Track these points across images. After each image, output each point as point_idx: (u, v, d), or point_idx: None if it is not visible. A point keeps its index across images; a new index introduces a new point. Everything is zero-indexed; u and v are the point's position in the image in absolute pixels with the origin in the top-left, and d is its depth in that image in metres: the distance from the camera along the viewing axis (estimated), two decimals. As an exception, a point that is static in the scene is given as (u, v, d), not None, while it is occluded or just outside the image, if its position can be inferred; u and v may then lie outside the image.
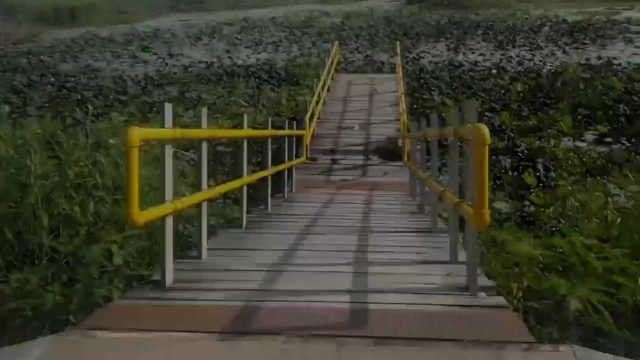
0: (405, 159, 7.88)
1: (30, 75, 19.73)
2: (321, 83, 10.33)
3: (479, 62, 18.40)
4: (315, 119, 9.11)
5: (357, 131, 9.72)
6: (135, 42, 27.27)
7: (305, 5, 47.80)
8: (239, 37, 27.91)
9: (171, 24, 35.03)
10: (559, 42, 22.25)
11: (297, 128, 10.03)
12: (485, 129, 2.39)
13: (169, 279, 3.11)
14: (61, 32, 33.42)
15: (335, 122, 10.22)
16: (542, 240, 3.90)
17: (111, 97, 15.08)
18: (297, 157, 8.36)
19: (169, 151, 3.26)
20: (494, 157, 9.80)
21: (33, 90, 17.24)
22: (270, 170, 5.70)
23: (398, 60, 12.12)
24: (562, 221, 4.93)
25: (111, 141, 11.75)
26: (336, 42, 13.76)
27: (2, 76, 19.98)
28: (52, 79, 18.47)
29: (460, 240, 3.54)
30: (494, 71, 16.24)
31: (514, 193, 7.68)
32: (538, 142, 10.10)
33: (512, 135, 10.82)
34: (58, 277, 4.05)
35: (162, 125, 3.27)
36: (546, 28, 26.51)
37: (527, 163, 9.01)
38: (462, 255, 3.36)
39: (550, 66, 17.13)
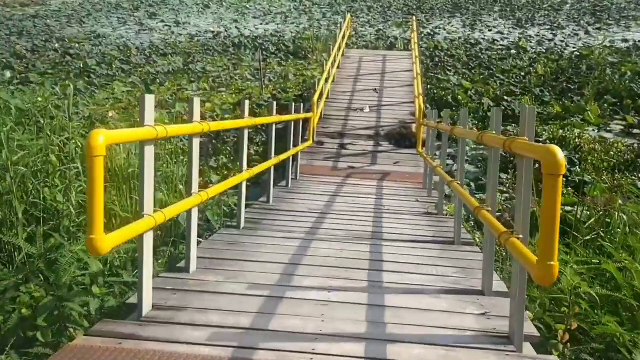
0: (420, 147, 7.28)
1: (34, 40, 19.06)
2: (331, 59, 9.64)
3: (497, 40, 17.50)
4: (323, 100, 8.48)
5: (368, 114, 9.10)
6: (142, 8, 26.37)
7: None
8: (247, 5, 26.95)
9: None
10: (582, 22, 21.19)
11: (304, 109, 9.43)
12: (560, 154, 1.79)
13: (147, 305, 2.61)
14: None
15: (345, 102, 9.58)
16: (588, 266, 3.35)
17: (114, 66, 14.44)
18: (303, 140, 7.78)
19: (149, 152, 2.70)
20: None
21: (36, 55, 16.61)
22: (274, 161, 5.15)
23: (414, 37, 11.34)
24: (603, 234, 4.36)
25: (111, 114, 11.24)
26: (348, 15, 12.94)
27: (7, 40, 19.32)
28: (57, 45, 17.81)
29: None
30: (513, 51, 15.38)
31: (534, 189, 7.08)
32: (561, 131, 9.44)
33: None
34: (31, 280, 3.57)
35: (142, 120, 2.70)
36: (567, 6, 25.32)
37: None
38: (498, 285, 2.83)
39: (573, 48, 16.25)
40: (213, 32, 19.34)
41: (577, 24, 21.02)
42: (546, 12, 23.79)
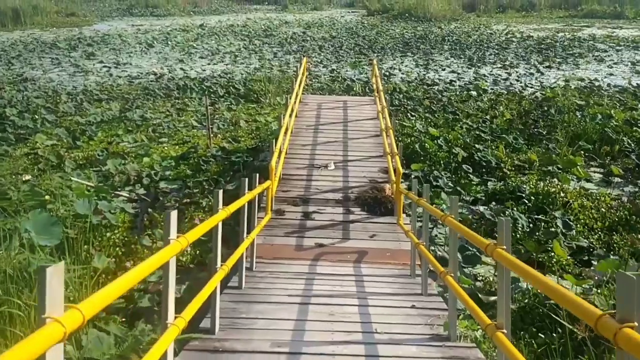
0: (401, 219, 5.96)
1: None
2: (289, 109, 8.32)
3: (454, 80, 16.83)
4: (282, 159, 7.08)
5: (333, 171, 7.77)
6: (80, 48, 24.47)
7: (264, 13, 45.69)
8: (194, 45, 25.58)
9: (122, 29, 32.21)
10: (531, 60, 21.09)
11: (258, 160, 8.03)
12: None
13: None
14: (1, 34, 30.04)
15: (306, 158, 8.22)
16: None
17: (38, 115, 12.54)
18: (259, 209, 6.33)
19: None
20: (494, 204, 8.09)
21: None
22: (221, 275, 3.59)
23: (378, 82, 10.22)
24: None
25: (27, 177, 9.37)
26: (304, 59, 11.75)
27: None
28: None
29: None
30: (473, 92, 14.64)
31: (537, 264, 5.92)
32: (541, 183, 8.46)
33: (508, 173, 9.17)
34: None
35: None
36: (513, 44, 25.46)
37: (539, 216, 7.30)
38: None
39: (531, 87, 15.76)
40: (155, 73, 17.72)
41: (526, 62, 20.90)
42: (494, 51, 23.72)
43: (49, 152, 10.41)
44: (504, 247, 2.73)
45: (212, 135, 11.57)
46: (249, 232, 4.75)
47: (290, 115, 8.56)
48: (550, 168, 9.19)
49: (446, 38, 27.90)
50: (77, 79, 17.56)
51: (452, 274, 3.67)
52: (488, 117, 12.08)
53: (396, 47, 24.72)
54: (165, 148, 10.88)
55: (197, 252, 6.64)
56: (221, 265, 3.66)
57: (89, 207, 6.47)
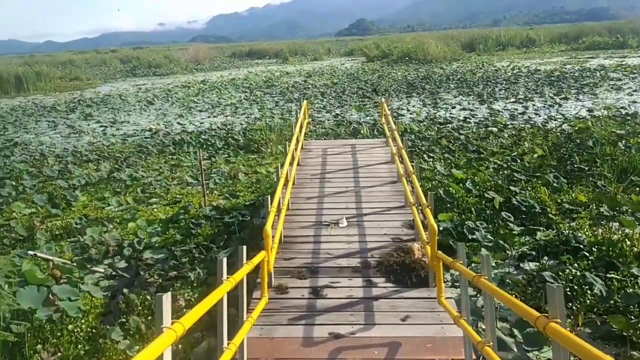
0: (442, 295, 4.37)
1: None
2: (289, 158, 6.89)
3: (468, 118, 15.51)
4: (282, 219, 5.59)
5: (346, 229, 6.25)
6: (78, 109, 23.68)
7: (265, 67, 45.51)
8: (195, 99, 24.73)
9: (124, 89, 31.73)
10: (545, 93, 19.85)
11: (259, 217, 6.59)
12: None
13: None
14: (2, 100, 29.59)
15: (312, 214, 6.73)
16: None
17: (17, 182, 11.27)
18: (252, 291, 4.86)
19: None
20: (547, 259, 6.50)
21: None
22: None
23: (390, 121, 8.80)
24: None
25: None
26: (305, 102, 10.48)
27: None
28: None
29: None
30: (493, 129, 13.26)
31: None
32: (600, 231, 6.88)
33: (554, 218, 7.59)
34: None
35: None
36: (522, 78, 24.36)
37: (610, 274, 5.68)
38: None
39: (553, 120, 14.37)
40: (151, 129, 16.60)
41: (540, 94, 19.64)
42: (504, 86, 22.60)
43: (22, 222, 9.03)
44: (558, 320, 2.24)
45: (207, 192, 10.19)
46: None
47: (291, 164, 7.14)
48: (603, 209, 7.62)
49: (450, 77, 26.97)
50: (71, 140, 16.47)
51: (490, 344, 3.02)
52: (515, 154, 10.62)
53: (400, 89, 23.68)
54: (155, 210, 9.47)
55: (179, 346, 5.10)
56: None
57: (38, 296, 4.96)
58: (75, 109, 23.65)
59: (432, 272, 4.92)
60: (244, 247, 3.70)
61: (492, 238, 7.09)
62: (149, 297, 6.18)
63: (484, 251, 6.65)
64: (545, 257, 6.64)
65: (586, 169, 9.18)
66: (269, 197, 5.13)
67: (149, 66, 47.83)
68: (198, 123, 17.91)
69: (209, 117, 19.48)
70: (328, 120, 16.62)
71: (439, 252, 4.27)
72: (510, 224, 7.60)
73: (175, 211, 9.13)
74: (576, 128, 11.49)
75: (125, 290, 6.24)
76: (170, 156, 13.08)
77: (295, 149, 7.86)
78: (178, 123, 17.87)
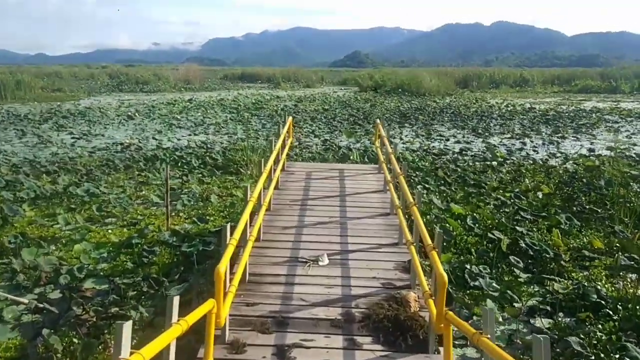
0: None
1: None
2: (263, 178, 5.79)
3: (465, 150, 14.64)
4: (245, 259, 4.43)
5: (326, 268, 5.13)
6: (53, 120, 22.44)
7: (256, 90, 44.83)
8: (178, 117, 23.68)
9: (106, 103, 30.59)
10: (541, 131, 19.18)
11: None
12: None
13: None
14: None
15: (287, 247, 5.59)
16: None
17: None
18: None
19: None
20: (562, 315, 5.43)
21: None
22: None
23: (387, 143, 7.72)
24: None
25: None
26: (290, 118, 9.45)
27: None
28: None
29: None
30: (493, 162, 12.36)
31: None
32: (620, 284, 5.86)
33: (566, 265, 6.55)
34: None
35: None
36: (517, 116, 23.80)
37: (631, 339, 4.62)
38: None
39: (554, 157, 13.54)
40: (123, 143, 15.45)
41: (536, 132, 18.94)
42: (499, 122, 21.96)
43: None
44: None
45: (172, 214, 9.03)
46: None
47: (267, 186, 6.05)
48: (622, 257, 6.61)
49: (444, 110, 26.38)
50: (36, 150, 15.22)
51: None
52: (518, 190, 9.65)
53: (393, 118, 22.92)
54: (109, 231, 8.25)
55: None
56: None
57: None
58: (49, 120, 22.41)
59: (433, 334, 3.80)
60: (176, 299, 2.57)
61: (497, 287, 6.01)
62: (76, 340, 4.96)
63: (489, 303, 5.56)
64: (560, 313, 5.58)
65: (598, 210, 8.21)
66: (228, 225, 3.98)
67: (136, 82, 46.87)
68: (176, 140, 16.81)
69: (190, 135, 18.39)
70: (316, 144, 15.63)
71: (450, 312, 3.16)
72: (515, 269, 6.56)
73: (131, 233, 7.93)
74: (583, 167, 10.59)
75: (45, 331, 5.00)
76: (139, 172, 11.90)
77: (274, 169, 6.77)
78: (154, 139, 16.75)
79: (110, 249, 7.48)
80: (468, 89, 42.60)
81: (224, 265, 3.37)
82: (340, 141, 16.33)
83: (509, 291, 5.82)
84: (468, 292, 6.00)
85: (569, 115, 23.92)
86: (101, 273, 6.73)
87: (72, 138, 17.47)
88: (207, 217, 8.73)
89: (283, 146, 7.84)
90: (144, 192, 10.44)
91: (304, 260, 5.24)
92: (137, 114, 24.36)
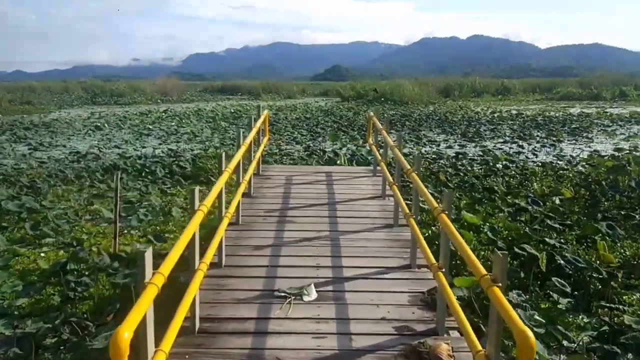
0: None
1: None
2: (223, 180, 4.20)
3: (460, 154, 13.27)
4: (197, 282, 2.85)
5: (312, 306, 3.55)
6: (12, 131, 20.49)
7: (236, 101, 43.23)
8: (150, 127, 21.92)
9: (76, 115, 28.62)
10: (534, 135, 18.01)
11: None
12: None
13: None
14: None
15: (257, 277, 4.00)
16: None
17: None
18: None
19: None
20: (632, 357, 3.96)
21: None
22: None
23: (386, 136, 6.13)
24: None
25: None
26: (265, 111, 7.90)
27: None
28: None
29: None
30: (498, 165, 10.98)
31: None
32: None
33: (616, 286, 5.10)
34: None
35: None
36: (506, 121, 22.69)
37: None
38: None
39: (558, 160, 12.23)
40: (78, 152, 13.70)
41: (529, 136, 17.73)
42: (488, 127, 20.75)
43: None
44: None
45: (125, 232, 7.37)
46: None
47: (228, 190, 4.47)
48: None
49: (430, 116, 25.17)
50: (-18, 162, 13.35)
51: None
52: (531, 194, 8.23)
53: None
54: (43, 255, 6.56)
55: None
56: None
57: None
58: (8, 131, 20.46)
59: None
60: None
61: (540, 319, 4.52)
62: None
63: (538, 345, 4.04)
64: (629, 354, 4.11)
65: (636, 216, 6.80)
66: (150, 249, 2.36)
67: (111, 95, 44.84)
68: (143, 149, 15.10)
69: (160, 144, 16.68)
70: (298, 151, 14.10)
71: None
72: (553, 293, 5.09)
73: (66, 255, 6.24)
74: (603, 168, 9.21)
75: None
76: (92, 184, 10.18)
77: (244, 170, 5.19)
78: (115, 146, 15.02)
79: (38, 278, 5.80)
80: (450, 98, 41.68)
81: (126, 329, 1.77)
82: (325, 147, 14.83)
83: (560, 327, 4.32)
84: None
85: (558, 120, 22.93)
86: (18, 311, 5.06)
87: (29, 149, 15.63)
88: (166, 235, 7.10)
89: (255, 141, 6.27)
90: (95, 207, 8.73)
91: (282, 294, 3.66)
92: (106, 125, 22.54)
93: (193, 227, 2.93)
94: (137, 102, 40.31)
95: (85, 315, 4.65)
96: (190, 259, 3.05)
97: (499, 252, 2.22)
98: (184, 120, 24.45)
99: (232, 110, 30.24)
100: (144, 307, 2.06)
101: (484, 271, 2.30)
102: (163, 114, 28.61)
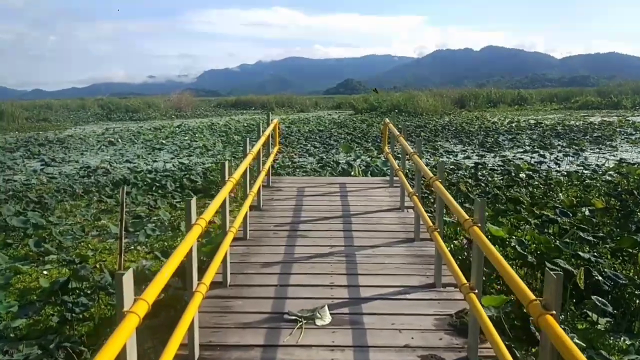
0: None
1: None
2: (227, 190, 3.87)
3: (480, 164, 12.81)
4: (195, 305, 2.50)
5: (326, 331, 3.16)
6: (27, 147, 20.56)
7: (250, 115, 43.25)
8: (164, 141, 21.83)
9: (90, 131, 28.78)
10: (555, 144, 17.45)
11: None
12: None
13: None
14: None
15: (266, 298, 3.64)
16: None
17: None
18: None
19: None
20: None
21: None
22: None
23: (404, 144, 5.74)
24: None
25: None
26: (275, 119, 7.59)
27: None
28: None
29: None
30: (522, 174, 10.51)
31: None
32: None
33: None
34: None
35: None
36: (526, 130, 22.13)
37: None
38: None
39: (585, 169, 11.70)
40: (89, 167, 13.54)
41: (551, 146, 17.18)
42: (507, 137, 20.21)
43: None
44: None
45: (132, 248, 7.08)
46: None
47: (233, 203, 4.12)
48: None
49: (446, 127, 24.72)
50: (-6, 178, 13.26)
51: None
52: (558, 204, 7.75)
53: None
54: (45, 272, 6.28)
55: None
56: None
57: None
58: (22, 147, 20.53)
59: None
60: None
61: (580, 342, 4.07)
62: None
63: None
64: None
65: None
66: (130, 271, 2.00)
67: (126, 111, 45.24)
68: (154, 163, 14.92)
69: (172, 158, 16.50)
70: (311, 163, 13.76)
71: None
72: (590, 313, 4.63)
73: (68, 273, 5.95)
74: (634, 177, 8.70)
75: None
76: (101, 199, 9.95)
77: (252, 181, 4.86)
78: (126, 161, 14.86)
79: (38, 297, 5.51)
80: (465, 108, 41.14)
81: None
82: (339, 159, 14.48)
83: (601, 351, 3.87)
84: (535, 349, 4.06)
85: (579, 128, 22.28)
86: (14, 333, 4.76)
87: (42, 165, 15.56)
88: (172, 251, 6.76)
89: (264, 149, 5.94)
90: (102, 222, 8.48)
91: (293, 317, 3.28)
92: (119, 140, 22.53)
93: (188, 244, 2.59)
94: (152, 118, 40.54)
95: (82, 339, 4.32)
96: (187, 279, 2.71)
97: (551, 272, 1.82)
98: (196, 135, 24.35)
99: (245, 124, 30.15)
100: (121, 340, 1.71)
101: (532, 296, 1.91)
102: (176, 128, 28.63)
